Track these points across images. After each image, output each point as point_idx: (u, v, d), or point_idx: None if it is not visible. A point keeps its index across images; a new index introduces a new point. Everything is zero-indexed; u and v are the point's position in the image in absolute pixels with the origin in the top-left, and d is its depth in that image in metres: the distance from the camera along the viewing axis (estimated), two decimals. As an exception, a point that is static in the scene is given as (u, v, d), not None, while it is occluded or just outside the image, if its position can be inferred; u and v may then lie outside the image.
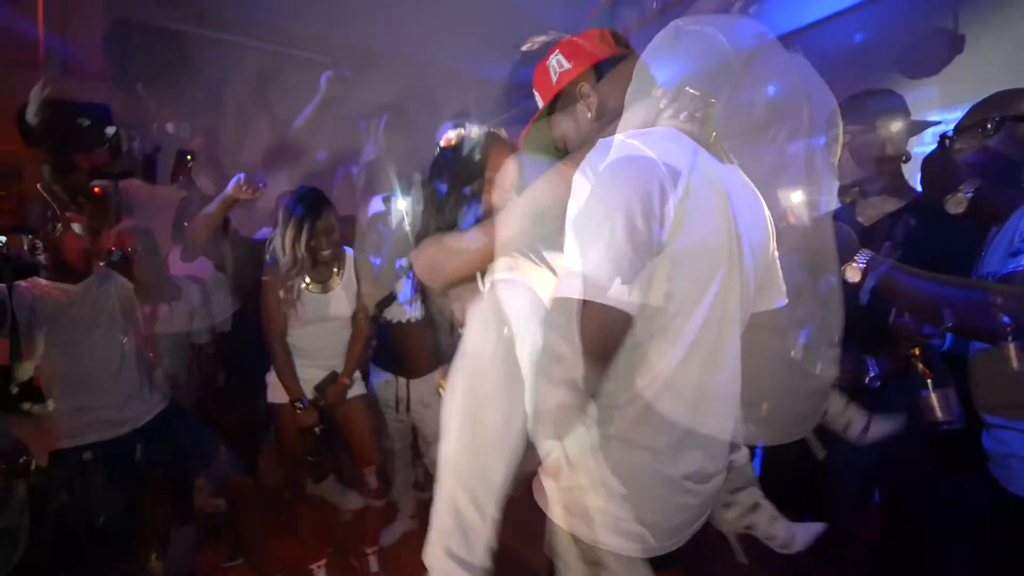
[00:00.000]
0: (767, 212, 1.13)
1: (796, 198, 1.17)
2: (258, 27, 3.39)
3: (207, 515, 2.45)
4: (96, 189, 2.02)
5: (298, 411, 2.26)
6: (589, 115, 1.15)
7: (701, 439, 1.00)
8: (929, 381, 1.34)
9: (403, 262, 2.26)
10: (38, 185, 1.79)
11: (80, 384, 1.86)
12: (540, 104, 1.23)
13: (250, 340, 2.35)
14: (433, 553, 1.07)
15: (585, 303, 0.88)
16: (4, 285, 1.76)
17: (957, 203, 1.31)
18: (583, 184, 0.94)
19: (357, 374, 2.41)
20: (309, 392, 2.30)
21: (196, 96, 3.03)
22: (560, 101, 1.19)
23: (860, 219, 1.82)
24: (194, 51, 3.20)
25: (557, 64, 1.18)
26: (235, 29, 3.36)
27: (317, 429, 2.30)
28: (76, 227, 1.80)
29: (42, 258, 1.80)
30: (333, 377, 2.32)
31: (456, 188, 1.24)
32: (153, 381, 2.08)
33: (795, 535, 1.18)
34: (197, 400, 2.58)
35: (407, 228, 2.05)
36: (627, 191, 0.89)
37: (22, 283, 1.81)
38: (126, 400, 1.94)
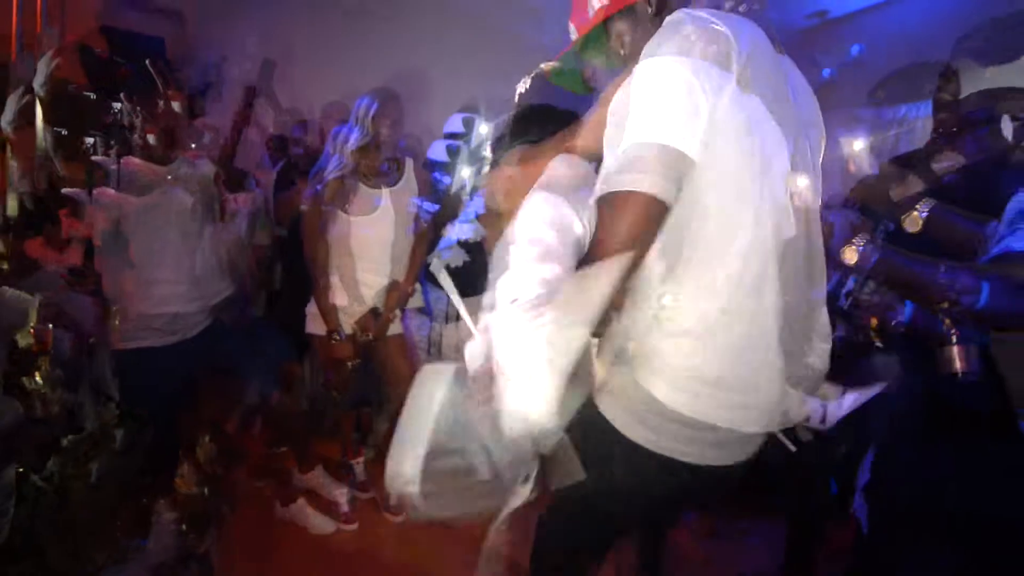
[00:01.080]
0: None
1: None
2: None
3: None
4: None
5: (334, 342, 2.23)
6: (622, 52, 1.09)
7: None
8: (954, 334, 1.36)
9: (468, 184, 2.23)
10: (147, 61, 1.85)
11: (160, 258, 1.96)
12: (573, 37, 1.18)
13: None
14: None
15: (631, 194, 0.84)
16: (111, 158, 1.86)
17: (913, 222, 1.28)
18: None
19: (398, 313, 2.36)
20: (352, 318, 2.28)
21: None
22: (594, 37, 1.14)
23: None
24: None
25: None
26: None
27: (351, 363, 2.29)
28: (176, 105, 1.87)
29: (137, 136, 1.89)
30: (376, 312, 2.28)
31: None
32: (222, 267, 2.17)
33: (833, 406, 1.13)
34: (255, 298, 2.66)
35: (484, 153, 2.02)
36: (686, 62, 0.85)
37: (114, 162, 1.90)
38: (201, 276, 2.04)
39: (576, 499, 1.05)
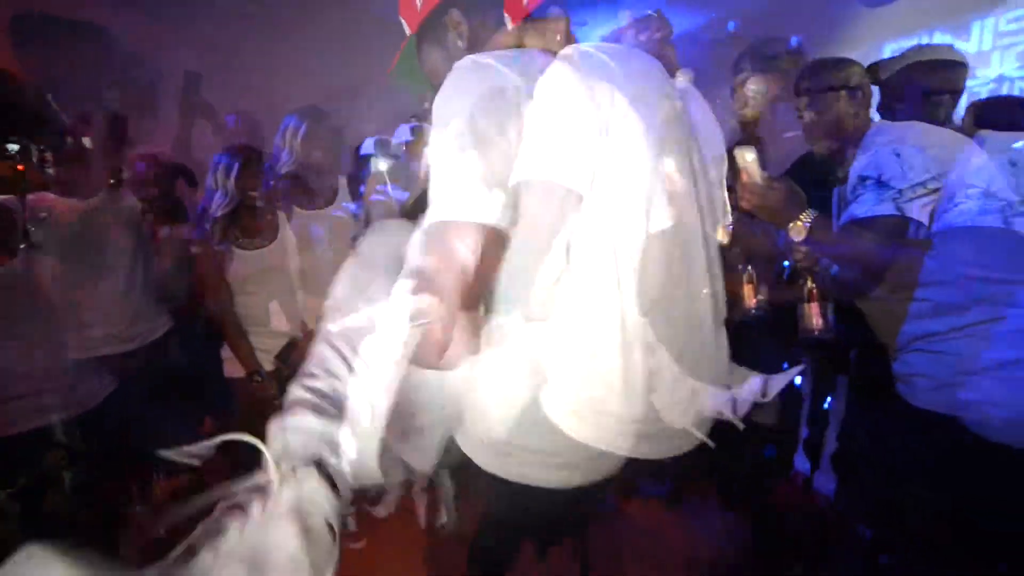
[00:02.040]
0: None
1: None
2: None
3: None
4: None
5: (255, 383, 2.13)
6: (461, 44, 1.03)
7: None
8: (815, 293, 1.49)
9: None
10: (48, 96, 1.74)
11: (87, 301, 1.87)
12: (407, 32, 1.11)
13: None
14: None
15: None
16: (15, 196, 1.71)
17: (798, 232, 1.34)
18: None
19: None
20: (269, 364, 2.16)
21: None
22: (428, 30, 1.07)
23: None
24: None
25: None
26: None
27: (277, 402, 2.21)
28: (86, 141, 1.77)
29: (51, 172, 1.75)
30: (293, 343, 2.18)
31: None
32: (158, 302, 2.09)
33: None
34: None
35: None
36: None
37: (31, 196, 1.76)
38: (133, 319, 1.96)
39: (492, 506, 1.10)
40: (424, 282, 0.81)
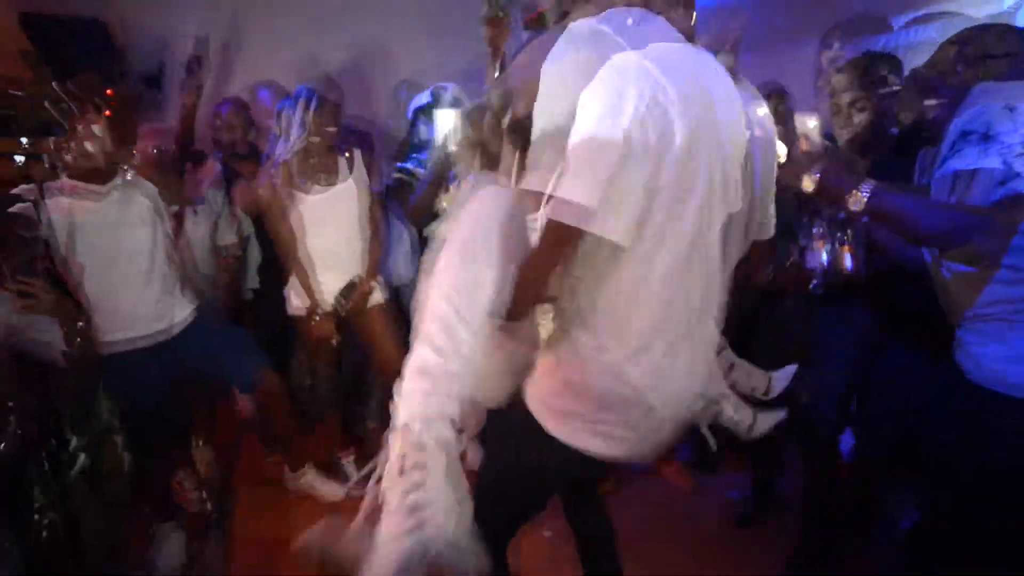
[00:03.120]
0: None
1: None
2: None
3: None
4: (109, 91, 1.94)
5: (314, 321, 2.23)
6: None
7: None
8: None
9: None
10: (53, 84, 1.74)
11: (112, 284, 1.90)
12: None
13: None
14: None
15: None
16: (35, 184, 1.77)
17: (857, 202, 1.22)
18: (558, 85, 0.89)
19: (380, 281, 2.33)
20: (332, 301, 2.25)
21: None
22: None
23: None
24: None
25: None
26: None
27: (334, 340, 2.28)
28: (96, 128, 1.77)
29: (68, 159, 1.80)
30: (353, 285, 2.25)
31: None
32: (183, 283, 2.10)
33: (759, 421, 1.24)
34: (225, 303, 2.54)
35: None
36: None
37: (52, 183, 1.82)
38: (159, 298, 1.98)
39: (493, 471, 1.14)
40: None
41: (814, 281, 1.69)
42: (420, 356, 0.88)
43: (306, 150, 2.15)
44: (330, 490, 2.37)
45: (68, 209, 1.82)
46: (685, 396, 1.04)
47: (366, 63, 3.17)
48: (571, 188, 0.84)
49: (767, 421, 1.24)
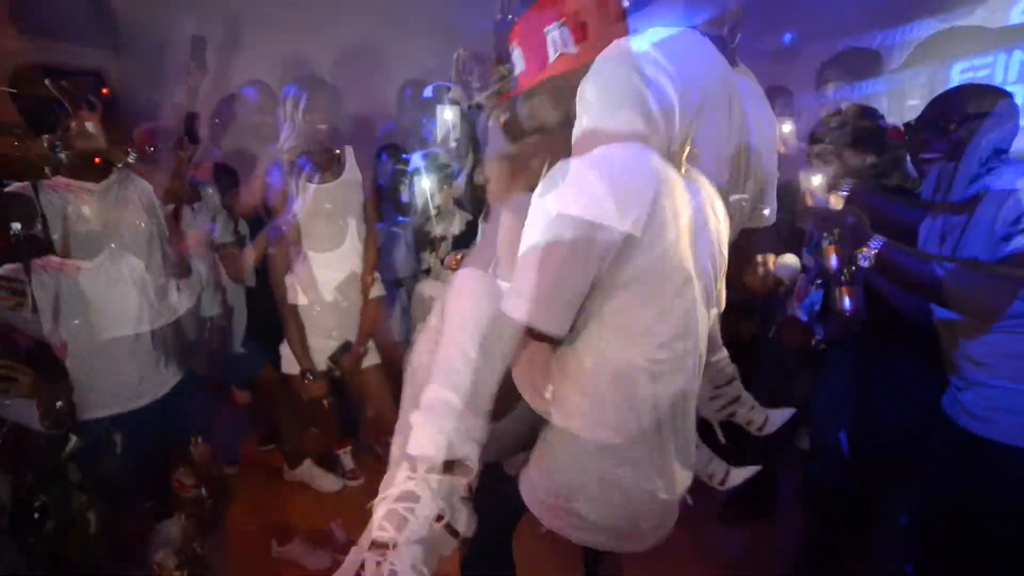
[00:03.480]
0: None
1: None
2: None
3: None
4: (104, 90, 1.95)
5: (307, 381, 2.21)
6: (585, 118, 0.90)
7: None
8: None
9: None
10: (46, 81, 1.70)
11: (110, 279, 1.85)
12: (520, 67, 0.99)
13: (265, 312, 2.30)
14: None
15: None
16: (29, 183, 1.74)
17: (866, 258, 1.33)
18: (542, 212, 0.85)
19: (372, 344, 2.33)
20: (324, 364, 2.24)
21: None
22: (550, 84, 0.96)
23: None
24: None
25: (560, 40, 0.93)
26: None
27: (326, 402, 2.29)
28: (90, 125, 1.74)
29: (62, 156, 1.76)
30: (347, 346, 2.24)
31: None
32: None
33: (770, 418, 1.34)
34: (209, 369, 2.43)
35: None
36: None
37: (46, 181, 1.78)
38: (160, 295, 1.94)
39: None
40: None
41: (816, 338, 1.75)
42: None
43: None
44: (328, 482, 2.53)
45: (62, 207, 1.78)
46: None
47: (366, 63, 3.17)
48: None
49: (779, 418, 1.33)
